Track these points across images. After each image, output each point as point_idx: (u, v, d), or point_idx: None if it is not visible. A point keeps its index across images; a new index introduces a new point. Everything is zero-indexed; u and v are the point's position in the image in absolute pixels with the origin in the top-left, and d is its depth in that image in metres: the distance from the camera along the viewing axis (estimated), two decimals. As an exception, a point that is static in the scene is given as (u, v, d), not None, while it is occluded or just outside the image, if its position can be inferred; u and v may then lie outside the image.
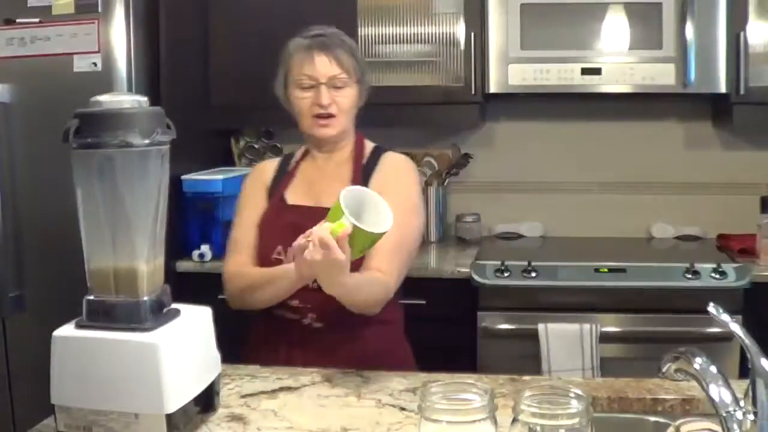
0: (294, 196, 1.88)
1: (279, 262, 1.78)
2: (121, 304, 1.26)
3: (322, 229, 1.44)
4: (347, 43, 1.84)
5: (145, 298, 1.26)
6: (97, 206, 1.26)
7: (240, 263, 1.84)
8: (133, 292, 1.26)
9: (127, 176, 1.25)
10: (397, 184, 1.81)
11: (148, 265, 1.28)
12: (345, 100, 1.82)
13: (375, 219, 1.48)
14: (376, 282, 1.70)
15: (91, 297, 1.28)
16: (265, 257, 1.81)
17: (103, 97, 1.27)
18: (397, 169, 1.87)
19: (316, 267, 1.47)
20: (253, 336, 1.86)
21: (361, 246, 1.48)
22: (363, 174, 1.84)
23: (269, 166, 1.96)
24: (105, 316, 1.26)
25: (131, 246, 1.26)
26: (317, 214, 1.73)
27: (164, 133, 1.29)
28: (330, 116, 1.81)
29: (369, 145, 1.92)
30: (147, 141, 1.25)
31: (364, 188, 1.57)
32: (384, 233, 1.47)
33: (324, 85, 1.79)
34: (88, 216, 1.28)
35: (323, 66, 1.79)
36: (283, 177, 1.91)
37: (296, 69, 1.81)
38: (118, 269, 1.27)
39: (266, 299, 1.77)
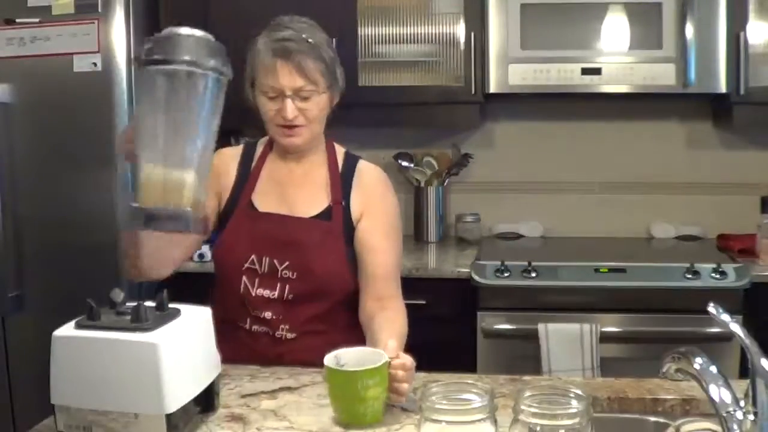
0: (265, 203, 1.78)
1: (252, 272, 1.73)
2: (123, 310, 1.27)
3: (401, 359, 1.43)
4: (315, 44, 1.70)
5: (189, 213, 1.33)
6: (156, 120, 1.32)
7: None
8: (179, 201, 1.32)
9: (189, 97, 1.32)
10: (383, 205, 1.81)
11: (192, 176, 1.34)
12: (313, 110, 1.71)
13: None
14: (402, 314, 1.72)
15: (136, 204, 1.33)
16: (236, 267, 1.73)
17: (177, 28, 1.35)
18: (377, 185, 1.82)
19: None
20: (222, 353, 1.54)
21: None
22: (342, 183, 1.79)
23: (230, 158, 1.83)
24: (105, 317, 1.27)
25: (181, 157, 1.33)
26: (291, 224, 1.75)
27: (225, 65, 1.35)
28: (296, 126, 1.71)
29: (340, 150, 1.85)
30: (212, 63, 1.32)
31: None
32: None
33: (289, 97, 1.68)
34: (145, 129, 1.35)
35: (286, 78, 1.67)
36: (247, 177, 1.80)
37: (261, 77, 1.70)
38: (167, 178, 1.32)
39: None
